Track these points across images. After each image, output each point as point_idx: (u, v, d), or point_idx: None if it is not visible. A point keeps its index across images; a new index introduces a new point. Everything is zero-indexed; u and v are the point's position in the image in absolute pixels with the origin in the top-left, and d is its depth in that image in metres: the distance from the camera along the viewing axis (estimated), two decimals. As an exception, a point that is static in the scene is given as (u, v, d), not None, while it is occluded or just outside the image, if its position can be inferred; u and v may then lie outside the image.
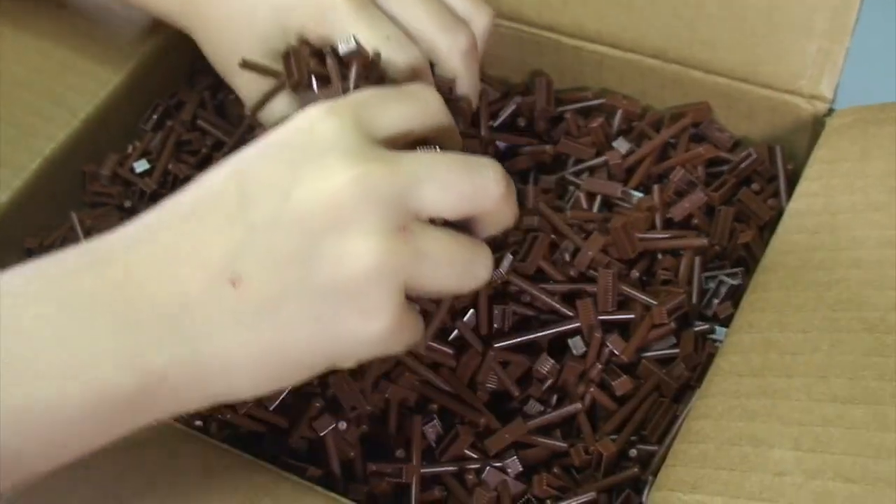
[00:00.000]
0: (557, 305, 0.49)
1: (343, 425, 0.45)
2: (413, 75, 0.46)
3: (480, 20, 0.50)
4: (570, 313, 0.49)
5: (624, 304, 0.50)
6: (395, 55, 0.46)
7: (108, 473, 0.39)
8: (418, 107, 0.39)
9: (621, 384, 0.47)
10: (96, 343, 0.33)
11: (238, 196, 0.35)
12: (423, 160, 0.36)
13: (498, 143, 0.59)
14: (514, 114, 0.60)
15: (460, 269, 0.38)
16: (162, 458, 0.40)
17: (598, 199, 0.55)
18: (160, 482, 0.39)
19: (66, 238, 0.57)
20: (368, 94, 0.38)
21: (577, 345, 0.48)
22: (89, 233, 0.57)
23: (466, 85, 0.49)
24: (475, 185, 0.37)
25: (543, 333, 0.49)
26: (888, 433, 0.36)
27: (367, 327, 0.35)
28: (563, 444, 0.46)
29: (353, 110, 0.36)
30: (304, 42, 0.47)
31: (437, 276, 0.37)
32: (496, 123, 0.60)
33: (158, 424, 0.42)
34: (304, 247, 0.34)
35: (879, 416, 0.37)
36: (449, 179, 0.36)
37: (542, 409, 0.47)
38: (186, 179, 0.58)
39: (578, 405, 0.47)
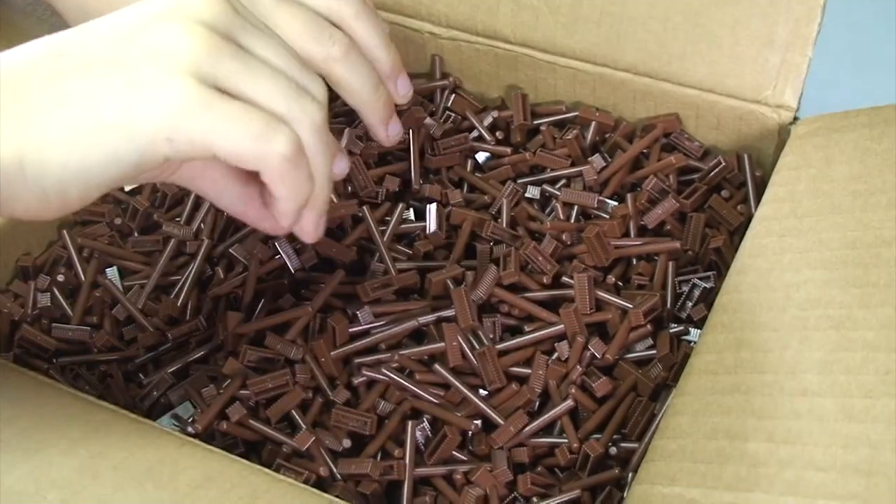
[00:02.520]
0: (540, 313, 0.51)
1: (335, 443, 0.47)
2: None
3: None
4: (553, 319, 0.50)
5: (600, 308, 0.51)
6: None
7: (107, 479, 0.40)
8: None
9: (601, 385, 0.48)
10: None
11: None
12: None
13: (477, 155, 0.61)
14: (492, 127, 0.62)
15: (251, 143, 0.39)
16: (159, 461, 0.41)
17: (576, 209, 0.56)
18: (158, 483, 0.40)
19: (59, 256, 0.59)
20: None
21: (562, 349, 0.50)
22: (81, 250, 0.58)
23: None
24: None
25: (528, 337, 0.50)
26: (856, 424, 0.38)
27: (166, 93, 0.37)
28: (553, 441, 0.48)
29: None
30: None
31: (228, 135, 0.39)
32: (474, 136, 0.62)
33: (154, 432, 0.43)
34: (135, 28, 0.38)
35: (847, 408, 0.38)
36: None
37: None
38: (176, 197, 0.60)
39: (571, 403, 0.48)
